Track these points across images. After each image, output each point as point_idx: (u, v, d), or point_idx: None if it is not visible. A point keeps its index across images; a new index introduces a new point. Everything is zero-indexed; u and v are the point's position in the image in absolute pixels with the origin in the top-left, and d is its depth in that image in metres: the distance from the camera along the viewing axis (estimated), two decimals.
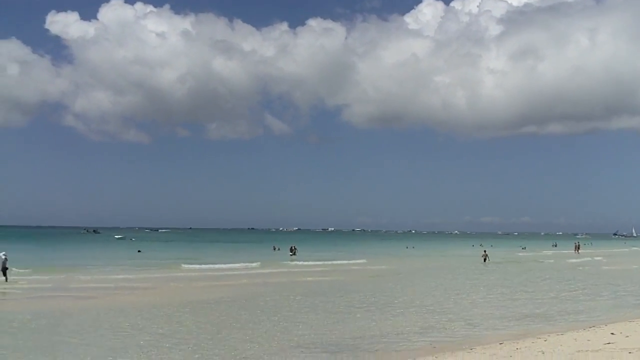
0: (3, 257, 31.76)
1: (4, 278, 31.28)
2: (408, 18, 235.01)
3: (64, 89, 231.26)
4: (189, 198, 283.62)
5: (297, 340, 15.51)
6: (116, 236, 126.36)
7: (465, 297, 25.85)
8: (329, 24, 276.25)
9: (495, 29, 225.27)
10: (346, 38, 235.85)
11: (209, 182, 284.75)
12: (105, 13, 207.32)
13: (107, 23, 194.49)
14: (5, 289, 28.95)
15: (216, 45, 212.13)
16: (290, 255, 62.80)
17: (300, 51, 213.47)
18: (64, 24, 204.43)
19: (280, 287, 30.37)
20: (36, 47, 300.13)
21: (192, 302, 23.51)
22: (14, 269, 33.43)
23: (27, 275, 34.87)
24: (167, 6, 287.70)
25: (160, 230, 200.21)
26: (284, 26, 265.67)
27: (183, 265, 44.90)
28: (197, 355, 13.71)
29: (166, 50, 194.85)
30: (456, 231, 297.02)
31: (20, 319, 18.88)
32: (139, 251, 68.02)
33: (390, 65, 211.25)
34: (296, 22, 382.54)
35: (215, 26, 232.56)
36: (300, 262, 50.85)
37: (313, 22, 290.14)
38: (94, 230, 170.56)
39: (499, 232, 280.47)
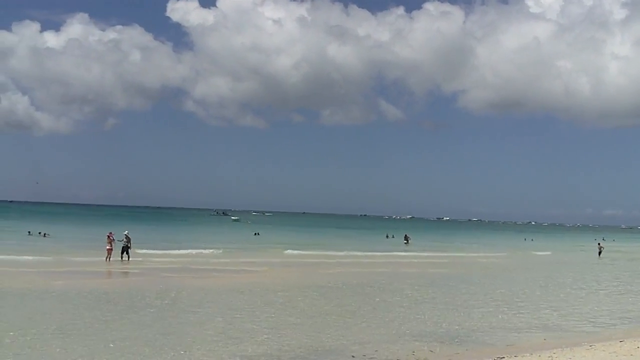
0: (124, 238, 32.60)
1: (127, 257, 32.22)
2: (529, 1, 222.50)
3: (185, 75, 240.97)
4: (303, 183, 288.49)
5: (410, 330, 15.24)
6: (232, 218, 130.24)
7: (579, 292, 25.50)
8: (447, 7, 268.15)
9: (619, 13, 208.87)
10: (464, 22, 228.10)
11: (322, 167, 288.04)
12: (224, 1, 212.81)
13: (225, 10, 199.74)
14: (127, 267, 29.91)
15: (331, 31, 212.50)
16: (405, 243, 61.97)
17: (416, 35, 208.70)
18: (184, 11, 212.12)
19: (396, 276, 29.93)
20: (158, 34, 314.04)
21: (312, 286, 24.02)
22: (137, 250, 34.41)
23: (149, 255, 35.88)
24: None
25: (265, 214, 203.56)
26: (400, 10, 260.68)
27: (297, 251, 44.97)
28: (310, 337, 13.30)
29: (282, 36, 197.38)
30: (578, 224, 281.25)
31: (143, 296, 19.57)
32: (256, 234, 69.22)
33: (510, 49, 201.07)
34: (412, 5, 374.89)
35: (331, 12, 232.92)
36: (414, 252, 49.40)
37: (430, 6, 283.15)
38: (223, 213, 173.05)
39: (623, 226, 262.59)
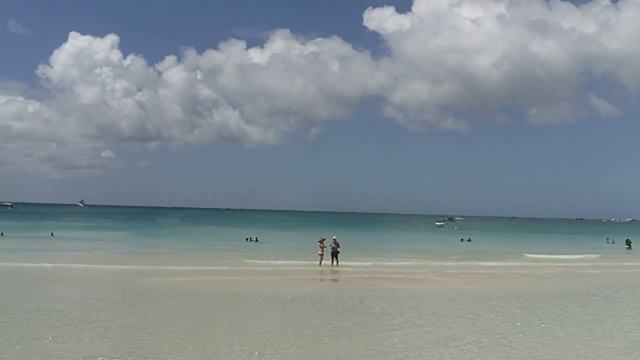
0: (333, 243, 32.21)
1: (335, 262, 31.78)
2: None
3: (383, 82, 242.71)
4: (510, 186, 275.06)
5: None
6: (437, 223, 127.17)
7: None
8: None
9: None
10: None
11: (531, 169, 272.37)
12: (420, 5, 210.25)
13: (421, 14, 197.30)
14: (337, 272, 29.60)
15: (532, 26, 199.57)
16: (627, 248, 56.55)
17: (624, 26, 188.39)
18: (381, 19, 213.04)
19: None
20: (356, 44, 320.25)
21: (533, 294, 21.22)
22: (344, 255, 33.76)
23: (356, 259, 35.18)
24: None
25: (468, 219, 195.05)
26: (605, 1, 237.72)
27: (525, 254, 42.88)
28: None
29: (481, 35, 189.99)
30: None
31: (351, 298, 19.17)
32: (467, 240, 65.78)
33: None
34: None
35: (531, 6, 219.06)
36: None
37: None
38: (449, 218, 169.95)
39: None
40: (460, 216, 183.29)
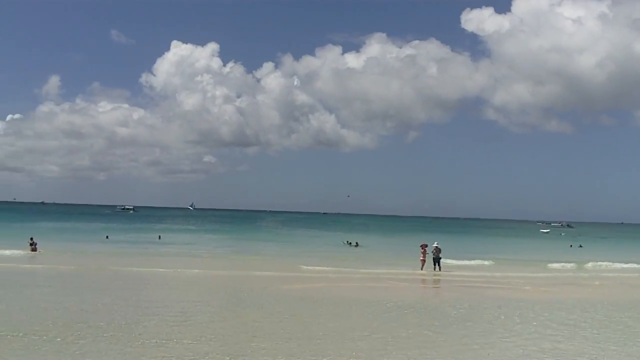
0: (434, 249, 31.96)
1: (437, 268, 31.53)
2: None
3: (483, 84, 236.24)
4: (617, 190, 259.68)
5: None
6: (542, 230, 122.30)
7: None
8: None
9: None
10: None
11: None
12: (519, 5, 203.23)
13: (521, 15, 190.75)
14: (439, 278, 29.31)
15: (636, 25, 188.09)
16: None
17: None
18: (479, 20, 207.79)
19: None
20: (454, 46, 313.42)
21: None
22: (447, 261, 33.53)
23: (459, 266, 34.90)
24: None
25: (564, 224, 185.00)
26: None
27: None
28: None
29: (583, 35, 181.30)
30: None
31: (458, 305, 18.90)
32: (577, 246, 62.77)
33: None
34: None
35: (634, 5, 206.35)
36: None
37: None
38: (567, 225, 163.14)
39: None
40: (565, 222, 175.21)
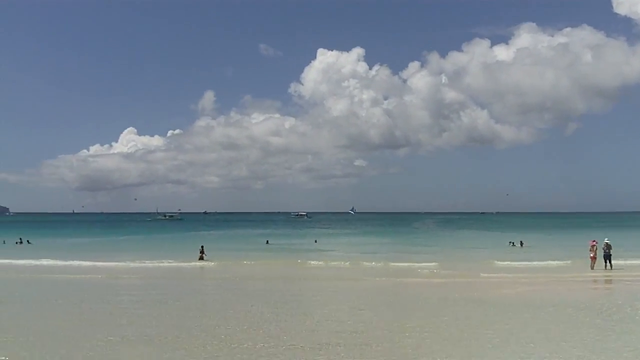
0: (605, 246, 32.23)
1: (609, 265, 31.78)
2: None
3: None
4: None
5: None
6: None
7: None
8: None
9: None
10: None
11: None
12: None
13: None
14: (611, 277, 29.33)
15: None
16: None
17: None
18: (632, 2, 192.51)
19: None
20: (608, 31, 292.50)
21: None
22: (618, 261, 33.39)
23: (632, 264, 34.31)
24: None
25: None
26: None
27: None
28: None
29: None
30: None
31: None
32: None
33: None
34: None
35: None
36: None
37: None
38: None
39: None
40: None
